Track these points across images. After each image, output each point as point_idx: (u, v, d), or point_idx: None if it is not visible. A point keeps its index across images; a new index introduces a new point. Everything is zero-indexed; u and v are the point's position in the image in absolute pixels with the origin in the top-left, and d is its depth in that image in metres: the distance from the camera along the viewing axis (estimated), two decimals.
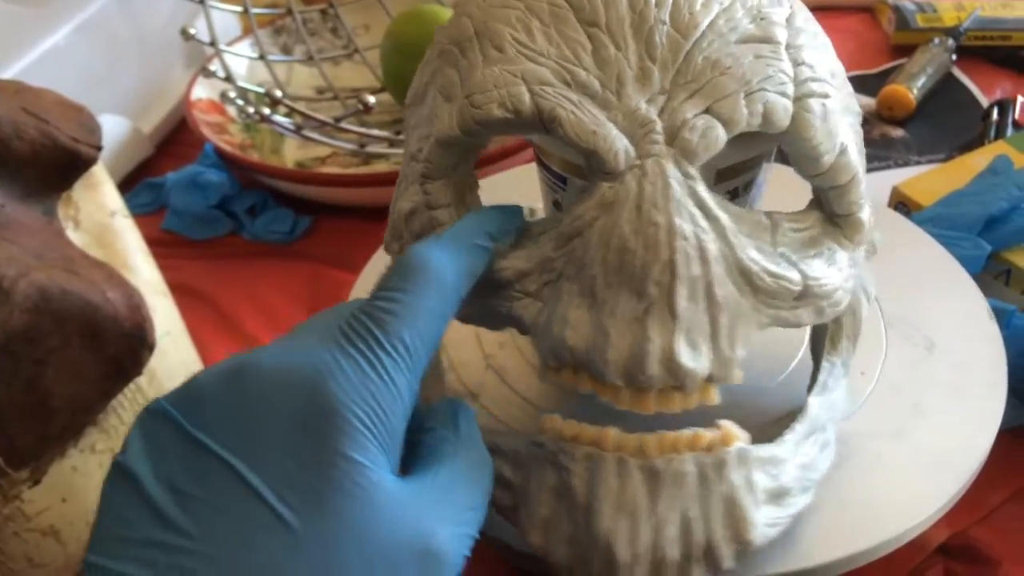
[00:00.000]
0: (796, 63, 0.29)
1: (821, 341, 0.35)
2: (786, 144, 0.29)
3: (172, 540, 0.22)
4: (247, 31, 0.81)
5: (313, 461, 0.23)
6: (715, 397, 0.29)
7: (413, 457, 0.27)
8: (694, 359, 0.27)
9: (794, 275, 0.29)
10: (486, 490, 0.27)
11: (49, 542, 0.43)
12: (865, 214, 0.31)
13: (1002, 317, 0.43)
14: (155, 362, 0.44)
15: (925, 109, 0.75)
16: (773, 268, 0.29)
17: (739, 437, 0.29)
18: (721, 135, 0.28)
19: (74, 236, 0.44)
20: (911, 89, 0.74)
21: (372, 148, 0.67)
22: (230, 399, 0.24)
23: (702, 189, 0.28)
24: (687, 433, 0.29)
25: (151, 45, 0.78)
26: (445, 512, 0.25)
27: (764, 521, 0.29)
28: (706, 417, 0.30)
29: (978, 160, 0.57)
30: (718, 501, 0.28)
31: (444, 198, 0.32)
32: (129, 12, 0.75)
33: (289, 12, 0.81)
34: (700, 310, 0.27)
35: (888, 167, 0.68)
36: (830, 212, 0.30)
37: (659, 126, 0.28)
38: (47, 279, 0.39)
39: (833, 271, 0.30)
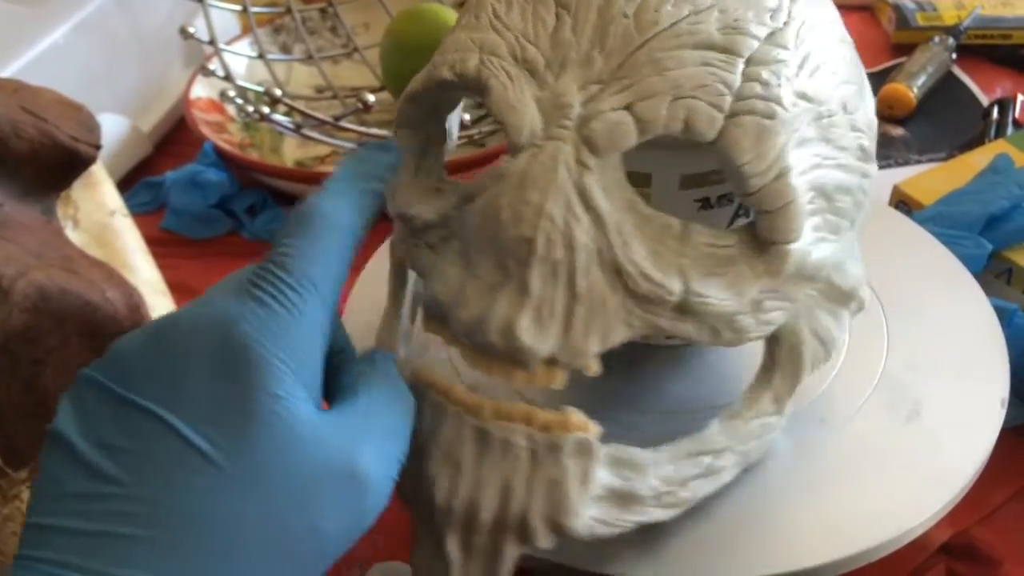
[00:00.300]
0: (750, 78, 0.28)
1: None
2: (718, 159, 0.28)
3: (104, 489, 0.23)
4: (246, 30, 0.81)
5: (232, 398, 0.24)
6: (560, 382, 0.29)
7: (334, 391, 0.28)
8: (535, 338, 0.28)
9: (674, 285, 0.28)
10: (405, 415, 0.29)
11: None
12: (795, 247, 0.29)
13: (1004, 316, 0.43)
14: None
15: (925, 108, 0.75)
16: (652, 273, 0.28)
17: (584, 427, 0.29)
18: (631, 133, 0.28)
19: (73, 235, 0.44)
20: (911, 88, 0.74)
21: None
22: (149, 354, 0.25)
23: (592, 180, 0.28)
24: (524, 406, 0.29)
25: (150, 44, 0.78)
26: (367, 436, 0.26)
27: (595, 515, 0.29)
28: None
29: (979, 159, 0.57)
30: (544, 480, 0.28)
31: (407, 145, 0.34)
32: (128, 11, 0.75)
33: (288, 11, 0.81)
34: (558, 294, 0.28)
35: (888, 166, 0.68)
36: (760, 237, 0.29)
37: (575, 112, 0.28)
38: (46, 278, 0.38)
39: (731, 295, 0.29)
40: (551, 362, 0.28)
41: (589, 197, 0.28)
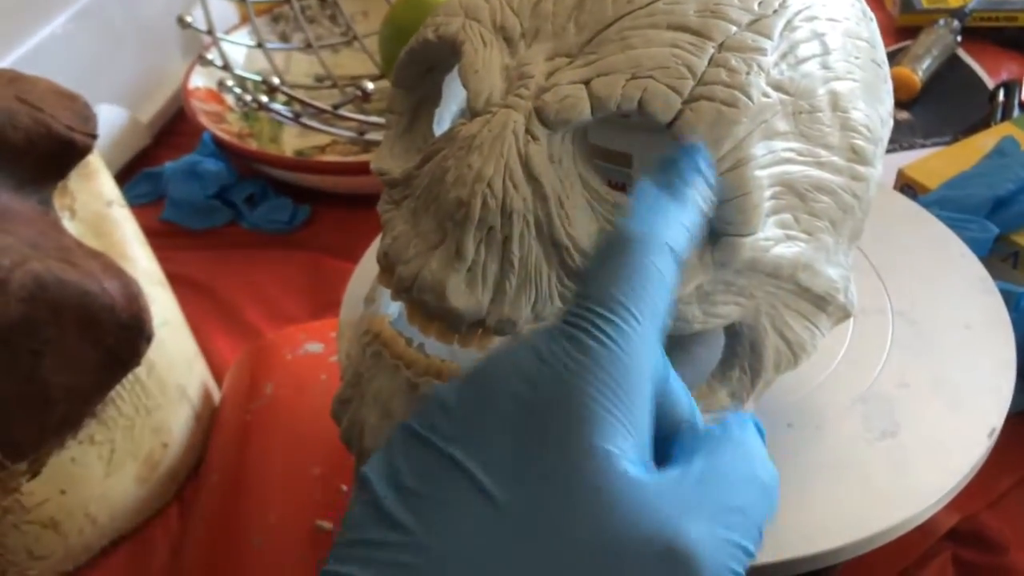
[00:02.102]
0: (717, 64, 0.27)
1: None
2: (674, 143, 0.27)
3: (392, 538, 0.22)
4: (244, 19, 0.80)
5: (537, 445, 0.22)
6: (489, 347, 0.29)
7: (665, 451, 0.24)
8: (464, 300, 0.28)
9: None
10: (763, 497, 0.23)
11: (49, 534, 0.42)
12: (747, 241, 0.28)
13: (1010, 300, 0.43)
14: (154, 353, 0.44)
15: (931, 91, 0.74)
16: (588, 249, 0.28)
17: None
18: (583, 108, 0.27)
19: (70, 226, 0.44)
20: (916, 71, 0.73)
21: (371, 135, 0.67)
22: (459, 399, 0.23)
23: (539, 151, 0.28)
24: (453, 365, 0.29)
25: (148, 34, 0.77)
26: (697, 509, 0.22)
27: None
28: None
29: (984, 141, 0.57)
30: None
31: (399, 106, 0.34)
32: (126, 0, 0.74)
33: (287, 0, 0.81)
34: (492, 260, 0.28)
35: (894, 150, 0.67)
36: (713, 227, 0.28)
37: (534, 83, 0.28)
38: (43, 269, 0.38)
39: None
40: (481, 326, 0.29)
41: (532, 167, 0.28)
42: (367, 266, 0.45)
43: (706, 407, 0.32)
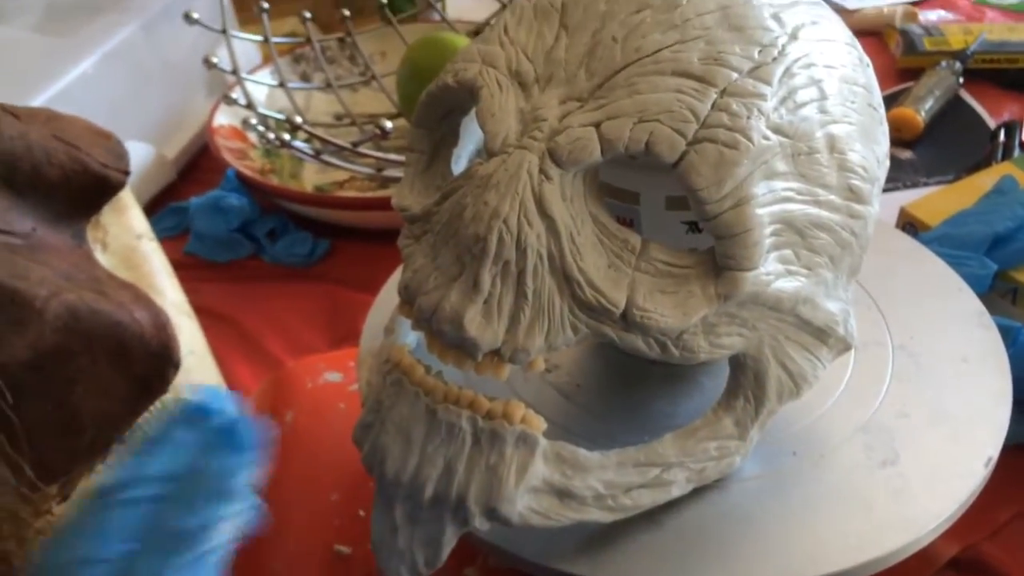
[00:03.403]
0: (720, 108, 0.29)
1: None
2: (679, 183, 0.29)
3: None
4: (267, 60, 0.83)
5: None
6: (504, 374, 0.31)
7: None
8: (480, 330, 0.29)
9: (617, 297, 0.29)
10: None
11: None
12: (749, 275, 0.30)
13: (1008, 335, 0.44)
14: (179, 381, 0.45)
15: (933, 131, 0.76)
16: (598, 283, 0.29)
17: (529, 421, 0.31)
18: (594, 150, 0.29)
19: (102, 258, 0.46)
20: (919, 111, 0.75)
21: (389, 172, 0.69)
22: None
23: (552, 190, 0.29)
24: (470, 393, 0.31)
25: (175, 74, 0.80)
26: None
27: (531, 506, 0.31)
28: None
29: (985, 180, 0.58)
30: (484, 466, 0.30)
31: (419, 145, 0.36)
32: (154, 42, 0.77)
33: (308, 41, 0.83)
34: (507, 292, 0.29)
35: (896, 188, 0.69)
36: (717, 262, 0.30)
37: (547, 125, 0.30)
38: (77, 299, 0.40)
39: (677, 313, 0.30)
40: (496, 355, 0.30)
41: (546, 205, 0.29)
42: (386, 297, 0.47)
43: (710, 434, 0.33)
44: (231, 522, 0.29)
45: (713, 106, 0.29)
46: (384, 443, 0.31)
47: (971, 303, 0.44)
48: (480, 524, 0.30)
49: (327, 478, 0.47)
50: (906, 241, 0.50)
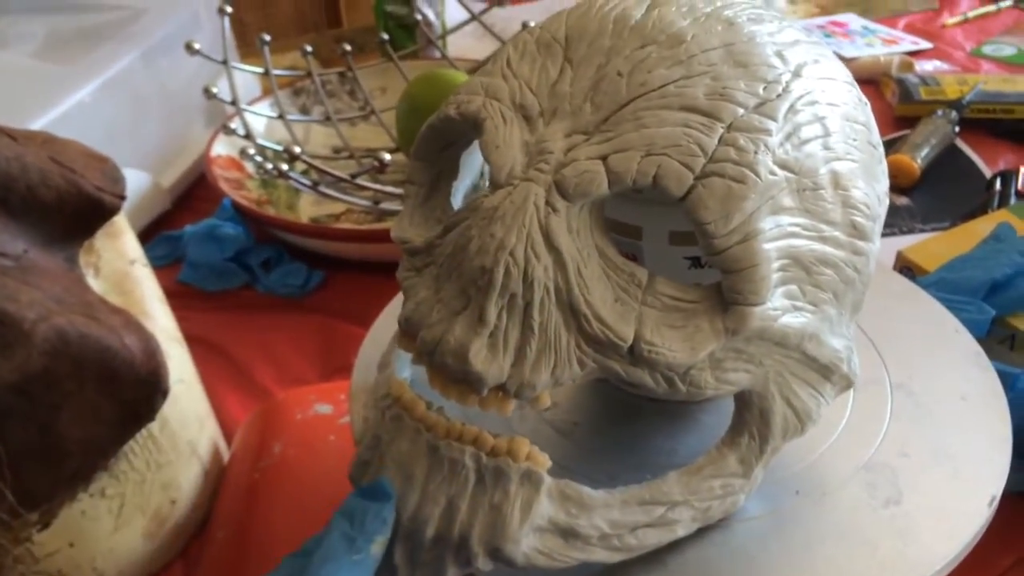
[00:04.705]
0: (727, 143, 0.29)
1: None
2: (686, 217, 0.29)
3: None
4: (267, 92, 0.83)
5: None
6: (508, 409, 0.30)
7: None
8: (486, 365, 0.29)
9: (625, 332, 0.29)
10: None
11: None
12: (756, 311, 0.29)
13: (1007, 380, 0.44)
14: (167, 409, 0.44)
15: (929, 178, 0.76)
16: (605, 317, 0.29)
17: (534, 459, 0.30)
18: (601, 182, 0.29)
19: (94, 283, 0.45)
20: (915, 159, 0.75)
21: (386, 205, 0.69)
22: None
23: (558, 223, 0.29)
24: (474, 429, 0.30)
25: (174, 103, 0.80)
26: None
27: (535, 546, 0.30)
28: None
29: (982, 227, 0.58)
30: (487, 504, 0.29)
31: (419, 178, 0.35)
32: (153, 71, 0.77)
33: (309, 75, 0.84)
34: (513, 326, 0.29)
35: (894, 233, 0.69)
36: (724, 297, 0.30)
37: (554, 158, 0.30)
38: (66, 323, 0.39)
39: (684, 348, 0.29)
40: (501, 390, 0.29)
41: (553, 237, 0.29)
42: (379, 330, 0.46)
43: (715, 472, 0.33)
44: None
45: (720, 141, 0.29)
46: (384, 476, 0.31)
47: (968, 344, 0.44)
48: (483, 565, 0.29)
49: (315, 511, 0.46)
50: (902, 282, 0.50)
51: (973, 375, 0.42)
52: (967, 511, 0.35)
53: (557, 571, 0.31)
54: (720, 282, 0.30)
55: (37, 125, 0.64)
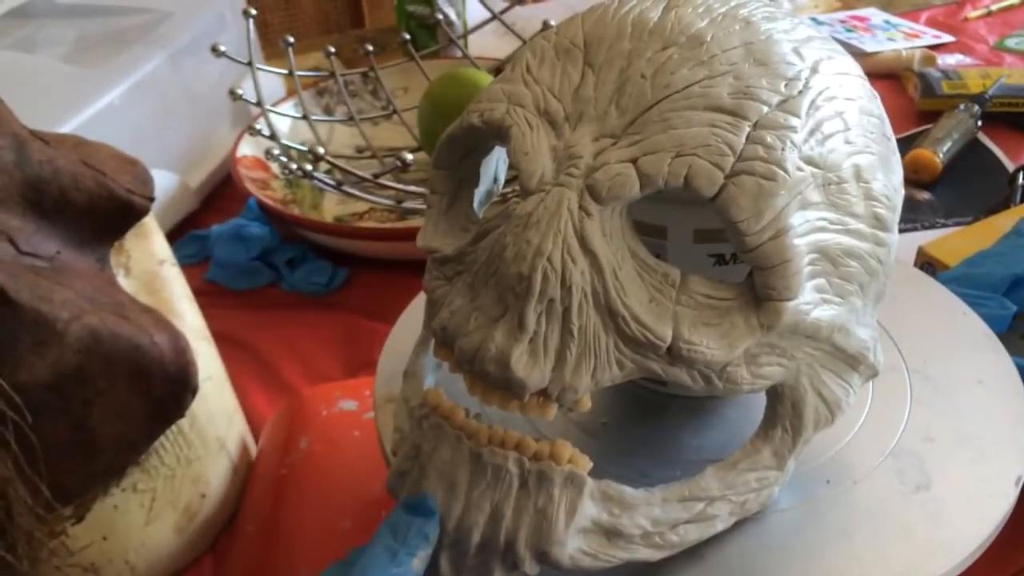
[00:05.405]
0: (754, 141, 0.29)
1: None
2: (718, 216, 0.30)
3: None
4: (291, 93, 0.84)
5: None
6: (551, 414, 0.30)
7: None
8: (527, 370, 0.29)
9: (664, 332, 0.29)
10: None
11: None
12: (789, 305, 0.30)
13: None
14: (197, 406, 0.45)
15: (951, 173, 0.76)
16: (643, 318, 0.29)
17: (576, 461, 0.30)
18: (633, 185, 0.29)
19: (124, 282, 0.46)
20: (937, 153, 0.75)
21: (409, 204, 0.70)
22: None
23: (593, 226, 0.29)
24: (516, 435, 0.30)
25: (200, 105, 0.81)
26: None
27: (580, 547, 0.30)
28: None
29: (1004, 222, 0.58)
30: (532, 509, 0.30)
31: (440, 187, 0.36)
32: (180, 74, 0.78)
33: (332, 75, 0.85)
34: (553, 331, 0.29)
35: (915, 228, 0.69)
36: (757, 293, 0.30)
37: (584, 163, 0.30)
38: (98, 322, 0.40)
39: (722, 345, 0.30)
40: (543, 395, 0.30)
41: (588, 241, 0.29)
42: (403, 327, 0.47)
43: (750, 466, 0.33)
44: None
45: (747, 139, 0.29)
46: (426, 490, 0.31)
47: (976, 326, 0.45)
48: (530, 569, 0.30)
49: (340, 506, 0.47)
50: (905, 269, 0.50)
51: (986, 357, 0.43)
52: (994, 492, 0.36)
53: (601, 571, 0.31)
54: (752, 278, 0.30)
55: (67, 128, 0.65)
